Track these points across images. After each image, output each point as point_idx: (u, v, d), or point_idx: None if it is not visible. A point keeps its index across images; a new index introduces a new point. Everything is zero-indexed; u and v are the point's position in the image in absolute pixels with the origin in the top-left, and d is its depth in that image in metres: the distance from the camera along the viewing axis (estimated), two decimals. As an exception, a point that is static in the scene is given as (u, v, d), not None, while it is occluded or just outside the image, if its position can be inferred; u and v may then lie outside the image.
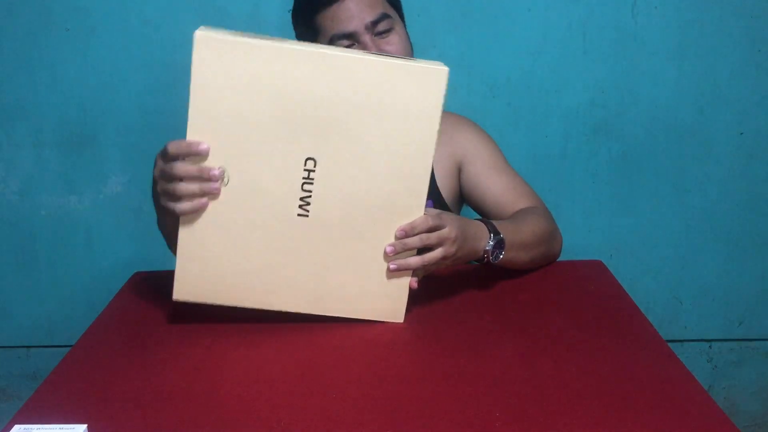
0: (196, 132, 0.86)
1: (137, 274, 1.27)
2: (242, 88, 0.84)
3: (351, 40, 1.09)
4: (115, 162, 1.46)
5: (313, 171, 0.87)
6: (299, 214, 0.89)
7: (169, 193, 0.88)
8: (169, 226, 1.00)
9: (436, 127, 0.87)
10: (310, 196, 0.88)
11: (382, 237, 0.90)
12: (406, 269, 0.93)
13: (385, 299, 0.95)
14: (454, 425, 0.77)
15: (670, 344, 0.95)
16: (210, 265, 0.94)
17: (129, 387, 0.87)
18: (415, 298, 1.04)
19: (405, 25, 1.17)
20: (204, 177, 0.87)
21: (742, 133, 1.45)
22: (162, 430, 0.78)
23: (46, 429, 0.73)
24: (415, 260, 0.92)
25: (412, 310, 0.99)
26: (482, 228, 1.00)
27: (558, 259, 1.23)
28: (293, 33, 1.20)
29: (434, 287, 1.05)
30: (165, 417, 0.80)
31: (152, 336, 1.01)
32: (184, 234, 0.91)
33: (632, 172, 1.46)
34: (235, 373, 0.89)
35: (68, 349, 0.98)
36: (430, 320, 0.99)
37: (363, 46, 1.09)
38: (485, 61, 1.41)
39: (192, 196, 0.87)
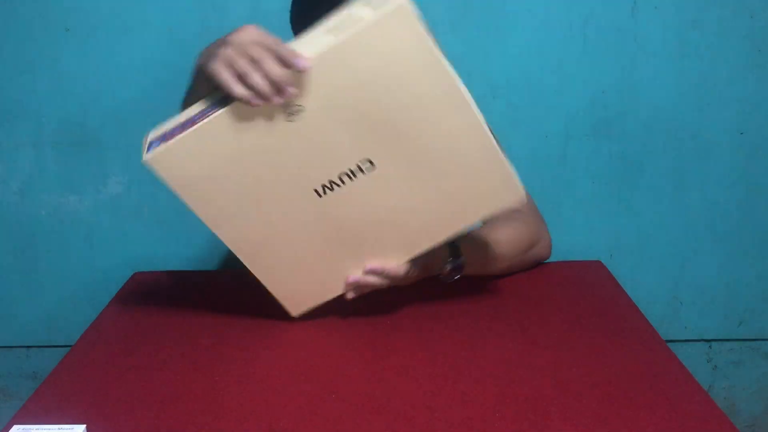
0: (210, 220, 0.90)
1: (137, 274, 1.27)
2: (227, 162, 0.86)
3: None
4: (115, 162, 1.46)
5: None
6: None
7: (236, 65, 0.81)
8: (199, 92, 0.92)
9: (436, 55, 0.83)
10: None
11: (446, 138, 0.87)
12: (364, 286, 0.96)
13: (486, 178, 0.89)
14: (454, 425, 0.77)
15: (670, 344, 0.95)
16: (287, 270, 0.95)
17: (128, 387, 0.87)
18: (414, 297, 1.04)
19: None
20: (282, 86, 0.80)
21: (742, 133, 1.45)
22: (161, 430, 0.78)
23: (45, 429, 0.73)
24: (373, 280, 0.95)
25: (412, 309, 0.99)
26: (443, 253, 1.01)
27: (558, 260, 1.23)
28: (294, 35, 1.20)
29: (434, 287, 1.05)
30: (164, 417, 0.80)
31: (152, 336, 1.01)
32: (254, 269, 0.94)
33: (632, 172, 1.46)
34: (235, 373, 0.89)
35: (68, 349, 0.98)
36: (429, 320, 0.99)
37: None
38: (485, 61, 1.41)
39: (259, 88, 0.80)
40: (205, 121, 0.83)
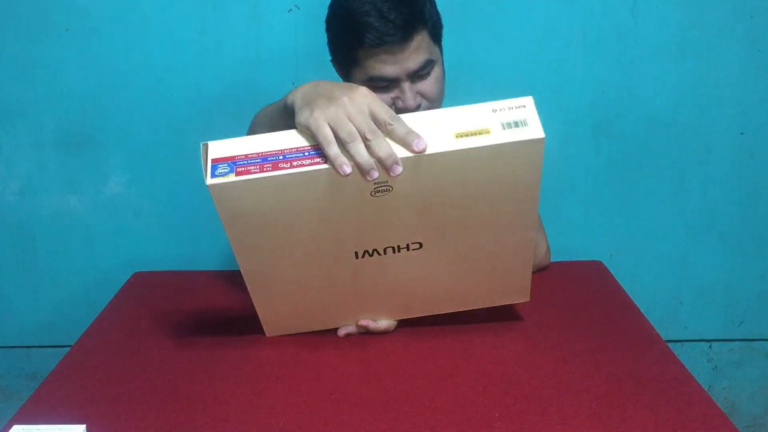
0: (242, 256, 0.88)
1: (137, 274, 1.27)
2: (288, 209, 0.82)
3: (389, 83, 1.02)
4: (115, 162, 1.46)
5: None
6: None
7: (340, 130, 0.77)
8: (278, 125, 0.88)
9: (538, 185, 0.84)
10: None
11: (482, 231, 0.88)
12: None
13: (507, 279, 0.95)
14: (454, 425, 0.77)
15: (670, 344, 0.95)
16: (287, 304, 0.94)
17: (128, 387, 0.87)
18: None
19: (443, 56, 1.10)
20: (387, 164, 0.77)
21: (742, 133, 1.45)
22: (161, 430, 0.78)
23: (45, 429, 0.73)
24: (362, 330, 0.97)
25: (412, 310, 0.99)
26: None
27: (558, 260, 1.23)
28: (294, 34, 1.19)
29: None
30: (164, 417, 0.80)
31: (151, 336, 1.01)
32: (255, 297, 0.92)
33: (632, 172, 1.46)
34: (235, 373, 0.89)
35: (68, 349, 0.98)
36: (429, 320, 0.99)
37: (401, 91, 1.02)
38: (485, 61, 1.41)
39: (360, 161, 0.77)
40: (289, 171, 0.77)
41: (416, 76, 1.03)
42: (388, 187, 0.79)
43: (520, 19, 1.38)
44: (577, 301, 1.09)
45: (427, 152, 0.77)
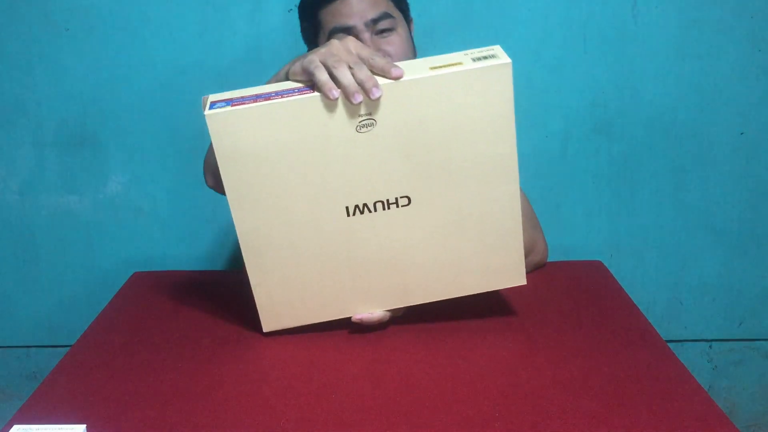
0: (235, 200, 0.88)
1: (137, 274, 1.27)
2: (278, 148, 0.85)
3: (349, 34, 1.08)
4: (115, 162, 1.46)
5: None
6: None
7: (328, 61, 0.85)
8: None
9: (511, 121, 0.88)
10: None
11: (475, 200, 0.90)
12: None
13: (499, 252, 0.93)
14: (454, 425, 0.77)
15: (670, 344, 0.95)
16: (287, 291, 0.93)
17: (128, 387, 0.87)
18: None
19: (411, 29, 1.16)
20: (367, 86, 0.83)
21: (742, 133, 1.45)
22: (161, 430, 0.78)
23: (44, 429, 0.73)
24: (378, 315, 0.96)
25: (411, 309, 0.99)
26: None
27: (558, 260, 1.23)
28: (294, 34, 1.20)
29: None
30: (164, 417, 0.80)
31: (151, 336, 1.01)
32: (251, 268, 0.92)
33: (632, 172, 1.46)
34: (235, 373, 0.89)
35: (68, 349, 0.98)
36: (428, 320, 0.99)
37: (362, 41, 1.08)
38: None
39: (344, 82, 0.83)
40: (281, 100, 0.83)
41: (378, 31, 1.09)
42: (372, 120, 0.84)
43: (520, 19, 1.38)
44: (577, 300, 1.09)
45: (403, 80, 0.83)
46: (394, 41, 1.11)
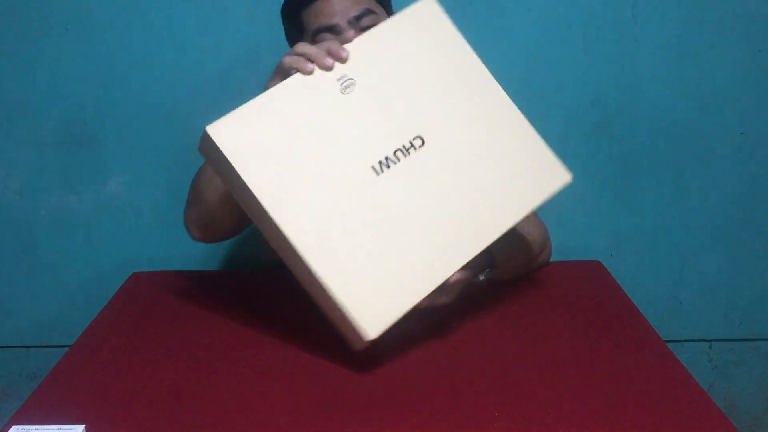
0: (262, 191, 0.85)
1: (136, 274, 1.27)
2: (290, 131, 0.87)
3: (333, 34, 1.09)
4: (115, 162, 1.46)
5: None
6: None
7: (298, 48, 0.92)
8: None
9: (464, 43, 0.99)
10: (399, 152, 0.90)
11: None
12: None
13: (533, 167, 0.97)
14: (453, 424, 0.77)
15: (670, 344, 0.95)
16: (370, 281, 0.85)
17: (127, 387, 0.87)
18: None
19: None
20: (333, 50, 0.90)
21: (742, 133, 1.44)
22: (161, 430, 0.78)
23: (44, 429, 0.73)
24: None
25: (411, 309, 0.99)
26: (481, 263, 0.99)
27: (558, 259, 1.23)
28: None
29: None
30: (163, 417, 0.80)
31: (150, 336, 1.01)
32: (326, 274, 0.83)
33: (632, 172, 1.46)
34: (235, 373, 0.89)
35: (68, 349, 0.98)
36: (428, 320, 0.99)
37: (345, 42, 1.08)
38: (485, 61, 1.40)
39: (312, 55, 0.90)
40: (267, 92, 0.87)
41: (360, 29, 1.08)
42: (351, 80, 0.90)
43: (520, 19, 1.38)
44: (577, 301, 1.09)
45: (354, 40, 0.93)
46: None
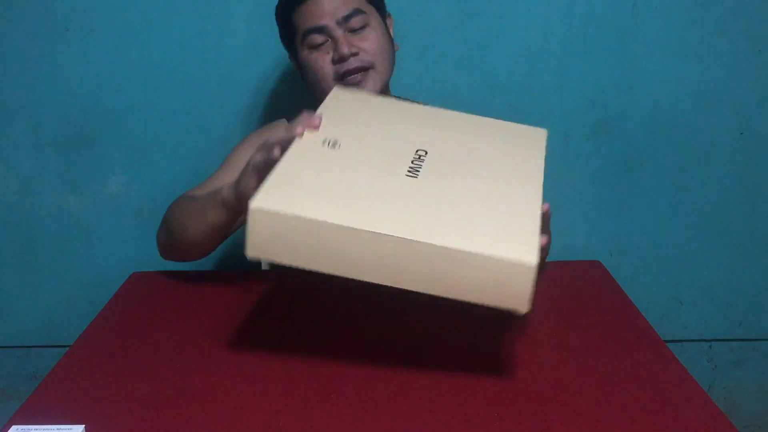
0: None
1: (136, 274, 1.27)
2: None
3: (323, 34, 1.10)
4: (115, 162, 1.46)
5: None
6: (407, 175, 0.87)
7: (270, 139, 0.91)
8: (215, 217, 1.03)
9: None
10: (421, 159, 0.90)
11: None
12: None
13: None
14: (453, 425, 0.77)
15: (669, 344, 0.95)
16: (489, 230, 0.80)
17: (126, 387, 0.87)
18: (412, 297, 1.04)
19: (385, 22, 1.17)
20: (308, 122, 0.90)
21: (742, 133, 1.44)
22: (161, 430, 0.78)
23: (43, 429, 0.73)
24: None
25: (411, 309, 0.99)
26: None
27: (558, 260, 1.23)
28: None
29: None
30: (163, 417, 0.80)
31: (150, 336, 1.01)
32: (461, 244, 0.77)
33: (632, 172, 1.46)
34: (234, 372, 0.89)
35: (67, 349, 0.98)
36: (428, 320, 0.99)
37: (335, 42, 1.10)
38: (485, 61, 1.41)
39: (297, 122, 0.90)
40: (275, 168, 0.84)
41: (350, 29, 1.10)
42: (337, 142, 0.89)
43: (520, 19, 1.38)
44: (577, 301, 1.09)
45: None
46: (369, 37, 1.11)
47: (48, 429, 0.73)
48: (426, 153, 0.91)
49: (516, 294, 0.76)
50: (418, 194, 0.83)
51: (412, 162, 0.89)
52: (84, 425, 0.74)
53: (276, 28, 1.19)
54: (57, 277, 1.51)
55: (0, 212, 1.48)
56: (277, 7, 1.17)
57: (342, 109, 0.98)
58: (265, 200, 0.77)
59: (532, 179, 0.90)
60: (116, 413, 0.81)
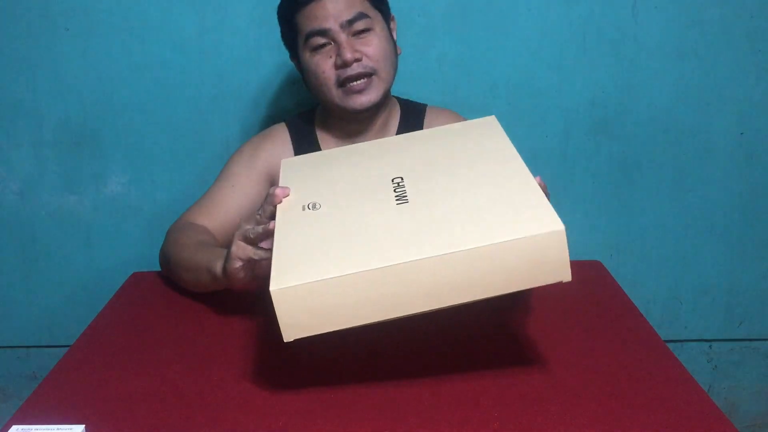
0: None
1: (136, 274, 1.27)
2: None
3: (326, 37, 1.10)
4: (115, 162, 1.46)
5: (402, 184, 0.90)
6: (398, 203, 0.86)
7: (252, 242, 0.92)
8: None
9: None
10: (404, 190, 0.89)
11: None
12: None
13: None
14: (454, 425, 0.77)
15: (669, 344, 0.95)
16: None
17: (127, 387, 0.87)
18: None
19: (389, 26, 1.16)
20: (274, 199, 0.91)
21: (742, 133, 1.45)
22: (161, 430, 0.78)
23: (43, 429, 0.73)
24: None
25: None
26: None
27: (558, 259, 1.23)
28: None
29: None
30: (163, 417, 0.80)
31: (150, 336, 1.01)
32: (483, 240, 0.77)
33: (632, 172, 1.46)
34: (234, 373, 0.89)
35: (68, 349, 0.98)
36: (427, 320, 0.99)
37: (338, 45, 1.09)
38: (485, 61, 1.41)
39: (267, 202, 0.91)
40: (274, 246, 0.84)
41: (354, 32, 1.09)
42: (315, 204, 0.89)
43: (520, 19, 1.38)
44: (577, 301, 1.09)
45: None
46: (372, 41, 1.10)
47: (48, 429, 0.73)
48: (402, 179, 0.91)
49: (556, 264, 0.77)
50: (420, 215, 0.83)
51: (394, 191, 0.88)
52: (84, 425, 0.74)
53: (277, 28, 1.19)
54: (57, 277, 1.52)
55: (0, 212, 1.48)
56: (280, 7, 1.16)
57: (302, 174, 0.98)
58: (281, 280, 0.76)
59: (512, 161, 0.91)
60: (116, 413, 0.81)
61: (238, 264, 0.92)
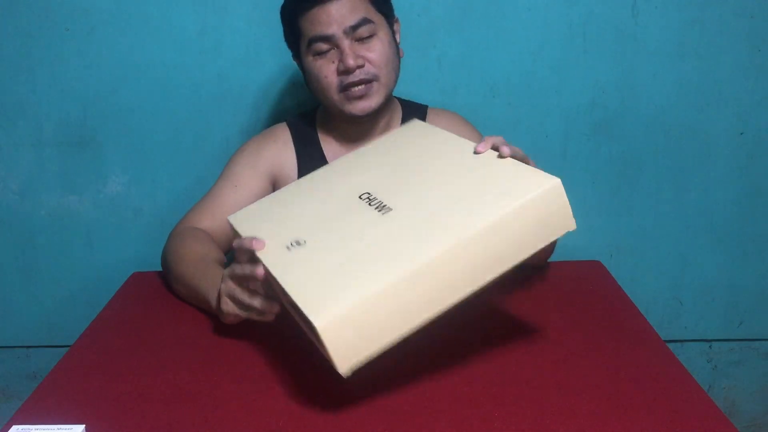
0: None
1: (136, 274, 1.27)
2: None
3: (329, 43, 1.09)
4: (115, 162, 1.46)
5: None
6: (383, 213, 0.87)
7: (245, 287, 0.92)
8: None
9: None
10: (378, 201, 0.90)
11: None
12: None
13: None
14: (454, 425, 0.77)
15: (670, 344, 0.95)
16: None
17: (127, 387, 0.87)
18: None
19: (393, 30, 1.16)
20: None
21: (742, 133, 1.44)
22: (161, 430, 0.78)
23: (44, 429, 0.73)
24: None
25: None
26: None
27: (558, 260, 1.23)
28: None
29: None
30: (163, 417, 0.80)
31: (150, 336, 1.01)
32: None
33: (632, 172, 1.46)
34: (234, 373, 0.89)
35: (68, 349, 0.98)
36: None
37: (341, 51, 1.09)
38: (485, 61, 1.41)
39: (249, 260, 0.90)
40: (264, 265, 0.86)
41: (357, 38, 1.09)
42: (298, 240, 0.88)
43: (520, 19, 1.38)
44: (577, 301, 1.09)
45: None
46: (375, 47, 1.10)
47: (48, 429, 0.73)
48: (369, 193, 0.91)
49: (560, 216, 0.84)
50: (411, 216, 0.84)
51: (369, 205, 0.89)
52: (84, 425, 0.74)
53: (278, 29, 1.19)
54: (57, 277, 1.52)
55: (0, 212, 1.48)
56: (283, 9, 1.16)
57: (260, 221, 0.97)
58: (320, 315, 0.74)
59: (466, 147, 0.92)
60: (116, 413, 0.81)
61: (230, 304, 0.94)
